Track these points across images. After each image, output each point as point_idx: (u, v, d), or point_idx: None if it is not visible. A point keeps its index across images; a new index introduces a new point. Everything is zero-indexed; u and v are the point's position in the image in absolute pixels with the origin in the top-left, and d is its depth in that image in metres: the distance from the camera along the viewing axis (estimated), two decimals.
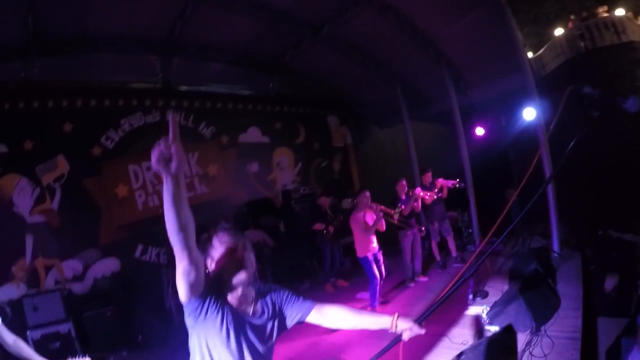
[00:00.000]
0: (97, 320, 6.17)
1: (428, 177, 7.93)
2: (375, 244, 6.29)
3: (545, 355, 3.97)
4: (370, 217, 6.29)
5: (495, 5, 7.42)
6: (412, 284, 7.37)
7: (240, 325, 1.83)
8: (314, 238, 7.99)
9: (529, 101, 7.51)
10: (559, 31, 14.44)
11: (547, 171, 7.15)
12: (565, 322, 4.62)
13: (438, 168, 8.51)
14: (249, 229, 8.31)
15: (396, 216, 6.68)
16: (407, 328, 2.04)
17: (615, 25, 13.39)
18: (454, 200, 8.26)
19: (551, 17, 17.52)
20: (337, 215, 8.06)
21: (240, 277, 1.82)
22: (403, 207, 6.82)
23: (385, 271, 6.58)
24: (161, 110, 8.02)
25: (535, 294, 4.46)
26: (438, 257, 8.10)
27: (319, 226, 7.75)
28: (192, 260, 1.60)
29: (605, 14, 13.93)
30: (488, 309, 4.82)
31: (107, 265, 6.91)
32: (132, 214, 7.45)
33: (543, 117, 7.35)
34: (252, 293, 1.95)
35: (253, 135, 9.33)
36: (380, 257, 6.37)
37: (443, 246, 8.18)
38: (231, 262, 1.83)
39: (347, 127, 11.45)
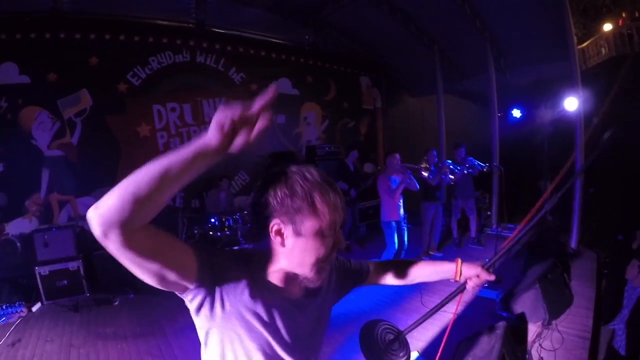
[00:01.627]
0: (107, 260, 6.15)
1: (461, 152, 7.86)
2: (402, 210, 6.24)
3: (554, 350, 4.06)
4: (398, 180, 6.20)
5: None
6: (426, 258, 7.36)
7: (288, 314, 1.29)
8: None
9: (571, 91, 7.50)
10: (607, 27, 14.17)
11: (578, 164, 7.21)
12: (576, 320, 4.72)
13: (467, 144, 8.51)
14: None
15: (424, 172, 6.64)
16: (473, 275, 1.76)
17: None
18: (477, 180, 8.22)
19: (602, 11, 17.20)
20: (361, 176, 8.15)
21: (333, 255, 1.27)
22: (426, 164, 6.83)
23: (407, 244, 6.52)
24: (191, 51, 8.02)
25: (552, 287, 4.61)
26: (455, 235, 8.19)
27: (342, 185, 7.81)
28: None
29: None
30: (501, 294, 4.99)
31: None
32: (152, 155, 7.39)
33: (583, 109, 7.39)
34: None
35: (283, 86, 9.27)
36: (404, 227, 6.35)
37: (461, 225, 8.29)
38: (332, 235, 1.21)
39: (378, 91, 11.40)
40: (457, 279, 1.77)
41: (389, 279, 1.82)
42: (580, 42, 15.53)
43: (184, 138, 7.83)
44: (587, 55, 14.55)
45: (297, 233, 1.17)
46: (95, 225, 0.92)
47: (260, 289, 1.22)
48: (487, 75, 8.91)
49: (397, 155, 6.29)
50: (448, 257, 7.42)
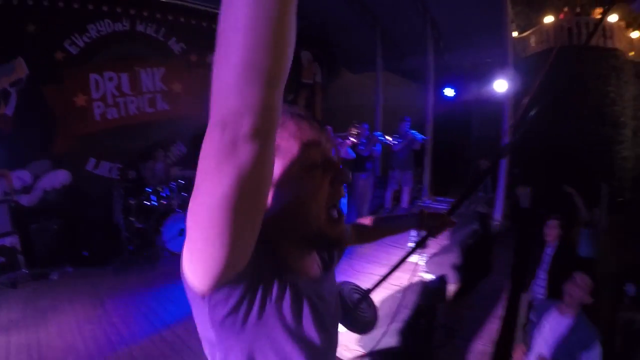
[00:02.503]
0: (43, 234, 6.22)
1: (404, 125, 8.14)
2: None
3: (470, 307, 4.54)
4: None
5: None
6: None
7: (316, 298, 1.01)
8: None
9: (503, 75, 8.01)
10: (548, 19, 14.90)
11: (506, 142, 7.65)
12: (495, 281, 5.25)
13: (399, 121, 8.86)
14: None
15: (353, 137, 6.96)
16: (437, 223, 1.82)
17: (604, 29, 14.05)
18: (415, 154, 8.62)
19: (545, 4, 18.08)
20: None
21: (340, 194, 1.03)
22: (357, 130, 7.12)
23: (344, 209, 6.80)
24: (131, 19, 7.93)
25: (471, 251, 5.06)
26: (389, 205, 8.53)
27: None
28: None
29: (599, 16, 14.53)
30: (426, 258, 5.40)
31: (57, 178, 6.94)
32: (88, 126, 7.43)
33: (513, 92, 7.89)
34: None
35: None
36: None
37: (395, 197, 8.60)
38: (323, 175, 0.98)
39: (318, 65, 11.55)
40: (423, 228, 1.84)
41: (368, 238, 1.83)
42: (522, 30, 16.40)
43: (121, 109, 7.76)
44: (528, 44, 15.36)
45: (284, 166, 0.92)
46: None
47: (285, 273, 0.94)
48: (426, 55, 9.27)
49: (330, 129, 6.45)
50: None
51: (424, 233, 1.94)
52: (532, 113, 3.09)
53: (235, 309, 0.82)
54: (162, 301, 4.75)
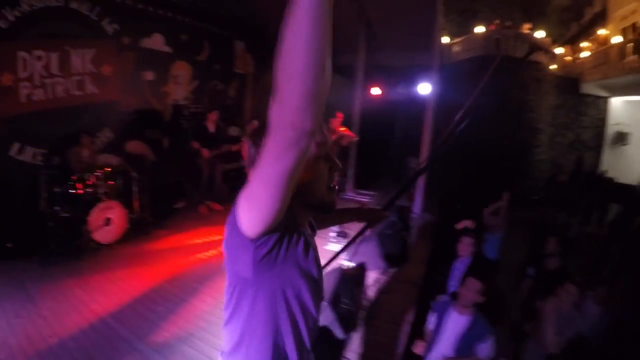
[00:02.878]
0: None
1: (337, 121, 8.54)
2: None
3: (387, 292, 4.97)
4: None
5: None
6: None
7: (313, 248, 1.42)
8: (195, 158, 8.27)
9: (428, 78, 8.47)
10: (479, 29, 15.87)
11: (425, 144, 8.38)
12: (410, 269, 5.82)
13: (331, 116, 9.24)
14: (133, 139, 8.31)
15: None
16: (375, 216, 2.23)
17: (530, 42, 15.16)
18: (344, 151, 9.04)
19: (478, 15, 19.23)
20: (222, 139, 8.41)
21: (334, 177, 1.47)
22: None
23: None
24: None
25: (389, 241, 5.44)
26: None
27: (196, 144, 8.10)
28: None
29: (527, 31, 15.70)
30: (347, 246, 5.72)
31: None
32: (13, 107, 6.88)
33: (435, 96, 8.44)
34: None
35: (156, 42, 8.98)
36: None
37: None
38: (326, 157, 1.41)
39: (251, 56, 11.57)
40: (361, 220, 2.29)
41: (322, 224, 2.06)
42: (454, 37, 17.43)
43: (48, 90, 7.27)
44: (457, 50, 16.37)
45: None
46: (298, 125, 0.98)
47: (298, 226, 1.34)
48: (357, 53, 9.63)
49: (256, 122, 6.57)
50: None
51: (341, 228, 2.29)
52: (463, 125, 3.50)
53: (271, 250, 1.20)
54: (90, 291, 4.69)
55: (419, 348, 3.33)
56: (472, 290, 3.19)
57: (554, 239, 5.16)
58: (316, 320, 1.48)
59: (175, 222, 7.17)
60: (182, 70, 9.59)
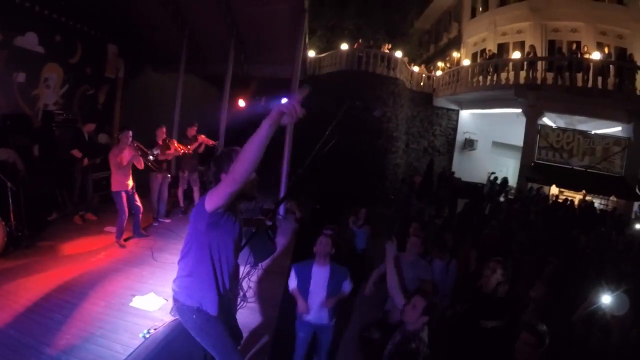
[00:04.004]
0: None
1: (193, 130, 8.86)
2: (130, 181, 6.90)
3: (259, 281, 5.89)
4: (128, 155, 6.83)
5: (299, 6, 9.08)
6: (156, 224, 8.25)
7: (239, 220, 2.78)
8: (68, 167, 8.07)
9: (289, 92, 9.34)
10: (344, 45, 17.40)
11: (287, 153, 9.38)
12: (277, 262, 6.81)
13: (198, 123, 9.47)
14: (0, 145, 7.84)
15: (151, 157, 7.49)
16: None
17: (390, 60, 17.16)
18: (203, 156, 9.37)
19: (344, 33, 20.94)
20: (96, 147, 8.33)
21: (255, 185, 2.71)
22: (158, 152, 7.71)
23: (142, 207, 7.25)
24: None
25: (257, 240, 6.14)
26: (182, 204, 9.28)
27: (77, 153, 7.92)
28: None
29: (387, 51, 17.53)
30: None
31: None
32: None
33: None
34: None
35: (29, 41, 8.52)
36: (135, 194, 7.02)
37: (188, 195, 9.36)
38: (254, 177, 2.61)
39: (123, 61, 11.41)
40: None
41: None
42: (321, 51, 18.89)
43: None
44: (323, 64, 17.83)
45: None
46: (239, 182, 2.27)
47: (234, 206, 2.70)
48: (227, 64, 10.20)
49: (130, 133, 6.92)
50: (175, 223, 8.46)
51: None
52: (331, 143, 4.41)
53: (219, 218, 2.57)
54: None
55: (302, 308, 4.09)
56: (324, 244, 4.13)
57: (416, 224, 6.64)
58: (235, 265, 2.87)
59: (52, 234, 6.94)
60: (53, 73, 9.23)
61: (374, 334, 4.51)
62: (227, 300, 2.88)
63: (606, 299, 4.46)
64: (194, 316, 2.68)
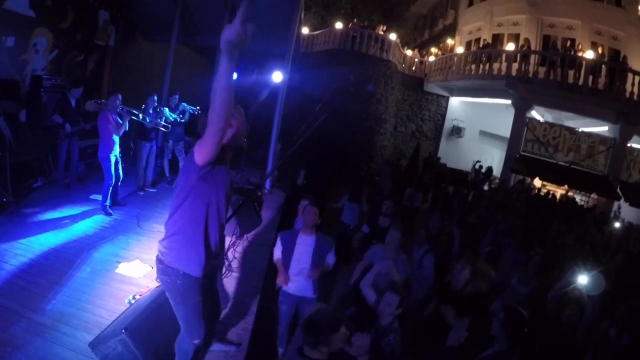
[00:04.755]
0: None
1: (175, 99, 8.90)
2: (117, 146, 6.90)
3: (244, 252, 6.03)
4: (117, 119, 6.87)
5: None
6: (142, 193, 8.33)
7: (228, 173, 2.76)
8: (54, 134, 7.96)
9: (282, 67, 9.44)
10: (338, 24, 17.32)
11: (275, 127, 9.41)
12: (262, 234, 6.89)
13: (187, 93, 9.60)
14: None
15: (142, 116, 7.50)
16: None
17: (383, 42, 17.21)
18: (189, 125, 9.31)
19: (340, 11, 20.80)
20: (82, 113, 8.12)
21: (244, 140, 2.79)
22: (149, 119, 7.75)
23: (122, 175, 7.26)
24: None
25: (243, 211, 6.24)
26: (167, 174, 9.32)
27: (59, 119, 7.78)
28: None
29: (381, 32, 17.52)
30: None
31: None
32: None
33: (287, 84, 9.47)
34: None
35: (20, 4, 8.15)
36: (119, 161, 7.05)
37: (173, 166, 9.37)
38: (244, 129, 2.72)
39: (114, 28, 11.14)
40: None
41: None
42: (315, 29, 18.83)
43: None
44: (316, 41, 17.78)
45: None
46: (219, 128, 2.22)
47: (223, 164, 2.65)
48: (219, 37, 10.03)
49: (120, 96, 6.95)
50: (161, 193, 8.54)
51: None
52: (323, 117, 4.44)
53: (207, 172, 2.49)
54: None
55: (280, 280, 4.21)
56: (312, 213, 4.17)
57: (389, 203, 6.83)
58: (222, 224, 2.82)
59: (37, 201, 6.92)
60: (43, 38, 8.94)
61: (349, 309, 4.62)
62: (212, 267, 2.89)
63: (582, 279, 4.63)
64: (178, 281, 2.66)
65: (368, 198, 8.70)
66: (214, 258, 2.84)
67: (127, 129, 7.13)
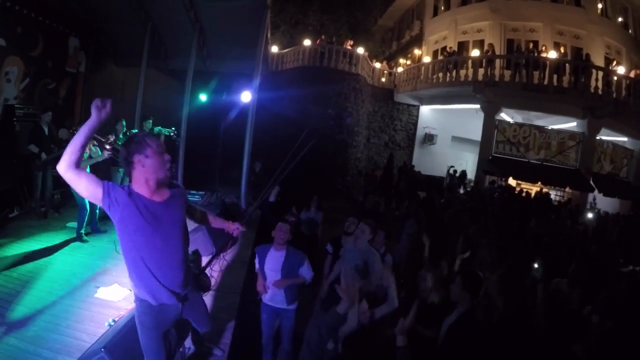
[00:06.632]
0: None
1: (149, 123, 9.09)
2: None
3: (221, 270, 6.12)
4: (88, 148, 6.84)
5: (261, 1, 9.24)
6: None
7: (149, 210, 2.61)
8: (28, 163, 7.95)
9: (249, 86, 9.67)
10: (307, 41, 17.63)
11: (247, 148, 9.45)
12: (239, 252, 7.12)
13: (160, 117, 9.83)
14: None
15: (108, 146, 7.26)
16: (237, 227, 3.45)
17: (352, 57, 17.70)
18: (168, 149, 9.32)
19: (307, 29, 21.16)
20: (55, 141, 8.24)
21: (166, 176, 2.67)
22: (114, 137, 7.75)
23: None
24: None
25: (217, 231, 6.35)
26: None
27: (34, 148, 7.84)
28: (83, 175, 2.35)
29: (349, 47, 17.88)
30: None
31: None
32: None
33: (256, 103, 9.56)
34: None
35: None
36: None
37: None
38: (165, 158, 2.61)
39: (84, 54, 11.21)
40: (229, 229, 3.45)
41: (197, 220, 3.29)
42: (284, 47, 19.09)
43: None
44: (285, 60, 18.06)
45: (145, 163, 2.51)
46: (65, 168, 2.22)
47: (132, 196, 2.51)
48: (189, 59, 10.16)
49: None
50: None
51: None
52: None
53: (118, 213, 2.46)
54: None
55: (260, 285, 4.51)
56: (283, 231, 4.45)
57: (353, 219, 6.77)
58: (175, 258, 2.73)
59: (14, 230, 6.90)
60: (14, 67, 8.93)
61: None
62: (181, 298, 2.82)
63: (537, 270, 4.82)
64: (137, 303, 2.77)
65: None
66: (174, 292, 2.75)
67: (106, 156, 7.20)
